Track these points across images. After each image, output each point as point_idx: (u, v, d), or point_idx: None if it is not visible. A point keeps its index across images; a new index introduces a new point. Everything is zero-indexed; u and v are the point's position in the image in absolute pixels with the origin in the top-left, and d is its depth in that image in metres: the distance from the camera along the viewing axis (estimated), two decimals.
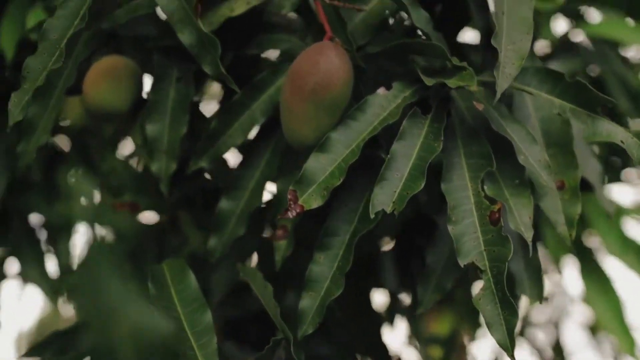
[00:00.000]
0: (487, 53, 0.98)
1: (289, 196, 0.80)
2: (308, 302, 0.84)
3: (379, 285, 1.35)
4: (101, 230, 1.43)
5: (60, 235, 1.48)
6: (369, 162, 0.87)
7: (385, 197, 0.79)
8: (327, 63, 0.83)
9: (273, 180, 0.96)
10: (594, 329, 2.18)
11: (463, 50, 1.06)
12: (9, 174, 1.36)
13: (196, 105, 1.05)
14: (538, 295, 0.94)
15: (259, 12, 0.99)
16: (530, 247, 0.82)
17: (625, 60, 1.51)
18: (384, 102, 0.85)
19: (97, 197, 1.41)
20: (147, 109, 0.96)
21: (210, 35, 0.85)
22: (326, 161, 0.82)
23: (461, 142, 0.87)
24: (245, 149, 0.98)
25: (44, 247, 1.50)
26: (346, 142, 0.83)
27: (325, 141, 0.82)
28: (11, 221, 1.43)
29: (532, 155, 0.84)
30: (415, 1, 0.88)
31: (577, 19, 1.54)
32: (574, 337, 2.24)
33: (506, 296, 0.75)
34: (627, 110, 1.34)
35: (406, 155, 0.81)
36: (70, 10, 0.87)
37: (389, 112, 0.84)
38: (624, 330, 1.35)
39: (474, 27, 1.06)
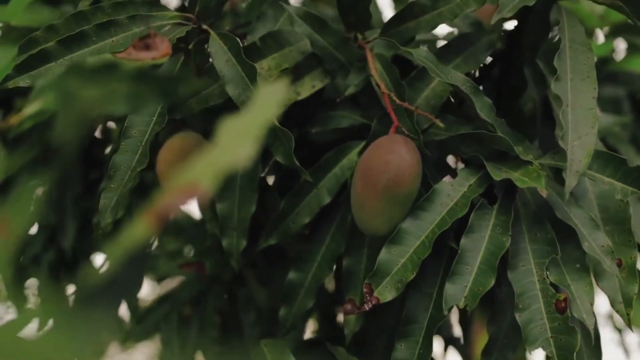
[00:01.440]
0: (544, 128, 1.02)
1: (364, 290, 0.85)
2: None
3: None
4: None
5: None
6: (438, 249, 0.90)
7: (457, 291, 0.83)
8: (399, 160, 0.87)
9: (340, 256, 1.00)
10: None
11: (518, 118, 1.09)
12: (77, 222, 1.42)
13: (264, 179, 1.09)
14: None
15: (322, 89, 1.02)
16: (592, 334, 0.86)
17: None
18: (451, 191, 0.89)
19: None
20: (217, 187, 1.00)
21: (282, 128, 0.89)
22: (398, 253, 0.86)
23: (525, 228, 0.90)
24: (312, 223, 1.02)
25: None
26: (417, 233, 0.87)
27: (397, 233, 0.86)
28: (79, 264, 1.50)
29: (596, 241, 0.88)
30: (478, 89, 0.91)
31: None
32: None
33: None
34: None
35: (475, 249, 0.86)
36: (149, 108, 0.90)
37: (455, 201, 0.88)
38: None
39: (530, 97, 1.09)
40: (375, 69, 0.95)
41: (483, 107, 0.92)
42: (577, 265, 0.89)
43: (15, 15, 1.17)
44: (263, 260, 1.16)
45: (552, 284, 0.87)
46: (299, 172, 0.96)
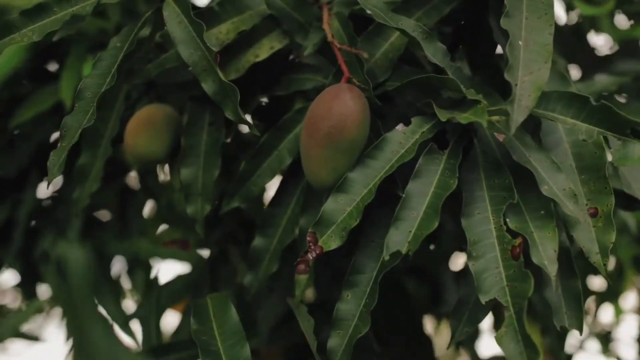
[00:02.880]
0: None
1: (308, 238, 0.82)
2: (337, 341, 0.85)
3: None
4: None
5: (136, 270, 1.57)
6: (391, 198, 0.87)
7: (401, 237, 0.79)
8: (341, 107, 0.84)
9: None
10: None
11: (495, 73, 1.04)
12: (84, 215, 1.46)
13: (229, 145, 1.08)
14: (577, 325, 0.91)
15: (286, 53, 1.02)
16: (554, 281, 0.79)
17: None
18: (402, 139, 0.85)
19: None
20: (182, 153, 1.00)
21: (229, 83, 0.89)
22: (345, 201, 0.83)
23: (483, 174, 0.85)
24: (278, 187, 1.01)
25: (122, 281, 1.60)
26: (364, 181, 0.83)
27: (343, 182, 0.83)
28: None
29: (557, 185, 0.81)
30: (430, 34, 0.88)
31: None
32: None
33: (527, 334, 0.74)
34: None
35: (422, 194, 0.81)
36: (102, 70, 0.92)
37: (406, 149, 0.84)
38: None
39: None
40: (328, 24, 0.94)
41: (436, 52, 0.88)
42: (542, 212, 0.83)
43: None
44: (243, 235, 1.15)
45: (509, 231, 0.81)
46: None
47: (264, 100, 1.13)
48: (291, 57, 1.02)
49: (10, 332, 1.44)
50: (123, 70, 0.98)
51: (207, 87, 0.91)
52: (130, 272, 1.57)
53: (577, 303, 0.89)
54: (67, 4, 0.95)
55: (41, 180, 1.55)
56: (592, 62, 1.54)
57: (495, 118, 0.86)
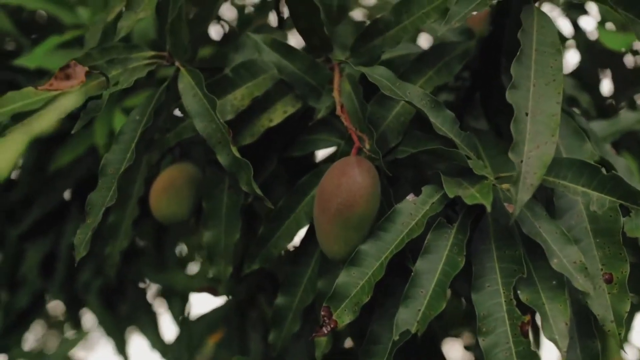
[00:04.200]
0: None
1: (322, 312, 0.84)
2: None
3: None
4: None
5: (173, 301, 1.63)
6: (404, 268, 0.88)
7: (410, 316, 0.81)
8: (350, 183, 0.86)
9: None
10: None
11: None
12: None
13: (250, 206, 1.11)
14: None
15: (301, 114, 1.03)
16: (562, 357, 0.80)
17: None
18: (412, 209, 0.86)
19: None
20: (204, 216, 1.03)
21: (243, 160, 0.91)
22: (357, 275, 0.85)
23: (494, 245, 0.86)
24: (298, 246, 1.03)
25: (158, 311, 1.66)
26: (376, 255, 0.85)
27: (355, 255, 0.85)
28: (126, 289, 1.60)
29: (567, 257, 0.81)
30: (438, 103, 0.88)
31: None
32: None
33: None
34: None
35: (431, 271, 0.82)
36: (123, 145, 0.96)
37: (416, 221, 0.85)
38: None
39: None
40: (338, 91, 0.95)
41: (444, 121, 0.88)
42: (553, 282, 0.83)
43: (35, 61, 1.28)
44: (270, 285, 1.19)
45: (519, 304, 0.81)
46: (281, 197, 0.98)
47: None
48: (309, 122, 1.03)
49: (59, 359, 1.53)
50: (143, 142, 1.01)
51: (222, 159, 0.93)
52: (167, 301, 1.63)
53: None
54: (88, 79, 0.99)
55: (81, 214, 1.62)
56: (624, 77, 1.51)
57: (505, 186, 0.86)
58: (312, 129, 1.02)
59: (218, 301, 1.47)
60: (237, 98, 1.00)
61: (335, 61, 1.01)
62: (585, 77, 1.44)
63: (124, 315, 1.58)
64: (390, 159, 0.93)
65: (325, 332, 0.85)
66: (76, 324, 1.68)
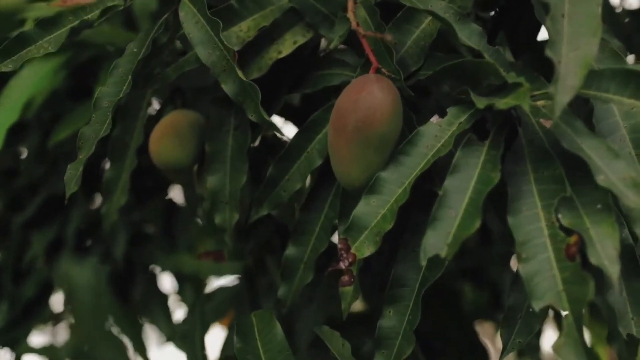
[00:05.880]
0: None
1: (339, 245, 0.76)
2: None
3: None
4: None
5: (184, 284, 1.54)
6: (429, 198, 0.79)
7: (439, 239, 0.71)
8: (369, 99, 0.77)
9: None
10: None
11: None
12: (129, 229, 1.45)
13: (258, 149, 1.03)
14: None
15: (311, 47, 0.96)
16: (616, 284, 0.70)
17: None
18: (438, 131, 0.78)
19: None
20: (207, 160, 0.95)
21: (250, 82, 0.83)
22: (378, 203, 0.76)
23: (530, 166, 0.77)
24: (309, 191, 0.94)
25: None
26: (398, 180, 0.76)
27: (375, 182, 0.76)
28: (136, 273, 1.51)
29: (615, 173, 0.72)
30: (464, 16, 0.80)
31: None
32: None
33: (585, 346, 0.65)
34: None
35: (461, 190, 0.73)
36: (118, 78, 0.88)
37: (442, 142, 0.77)
38: None
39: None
40: (353, 12, 0.87)
41: (471, 34, 0.81)
42: (599, 206, 0.74)
43: None
44: (279, 243, 1.09)
45: (561, 228, 0.72)
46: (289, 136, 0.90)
47: (295, 101, 1.08)
48: (319, 51, 0.95)
49: None
50: (142, 76, 0.94)
51: (228, 88, 0.85)
52: (180, 287, 1.54)
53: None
54: (83, 12, 0.92)
55: (87, 198, 1.54)
56: None
57: (540, 103, 0.78)
58: (324, 62, 0.94)
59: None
60: (243, 30, 0.92)
61: None
62: None
63: (134, 302, 1.49)
64: (411, 83, 0.84)
65: (343, 266, 0.76)
66: None
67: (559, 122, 0.76)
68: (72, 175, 0.84)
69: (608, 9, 1.49)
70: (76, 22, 0.89)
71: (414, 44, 0.87)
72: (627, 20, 1.52)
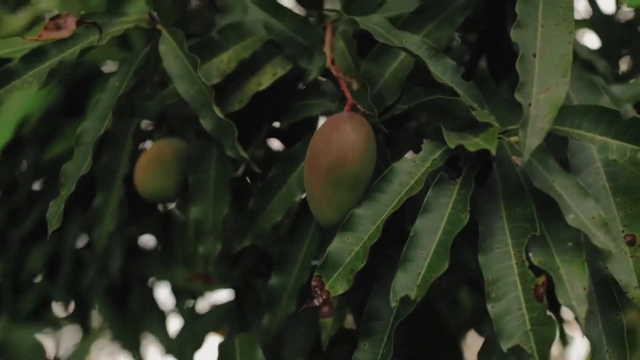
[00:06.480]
0: None
1: (313, 283, 0.76)
2: None
3: None
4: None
5: (180, 297, 1.56)
6: (402, 234, 0.80)
7: (409, 280, 0.72)
8: (341, 138, 0.78)
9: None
10: None
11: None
12: (125, 243, 1.46)
13: (241, 178, 1.04)
14: None
15: (292, 78, 0.96)
16: (582, 325, 0.71)
17: None
18: (412, 168, 0.78)
19: None
20: (190, 191, 0.96)
21: (226, 120, 0.84)
22: (352, 240, 0.77)
23: (503, 203, 0.77)
24: (292, 221, 0.95)
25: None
26: (372, 217, 0.77)
27: (349, 219, 0.77)
28: (132, 286, 1.53)
29: (585, 212, 0.72)
30: (438, 51, 0.81)
31: None
32: None
33: None
34: None
35: (432, 231, 0.74)
36: (100, 112, 0.89)
37: (416, 180, 0.77)
38: None
39: None
40: (330, 47, 0.87)
41: (445, 70, 0.81)
42: (569, 244, 0.74)
43: None
44: (265, 269, 1.11)
45: (531, 267, 0.73)
46: (272, 166, 0.91)
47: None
48: (300, 82, 0.96)
49: None
50: (125, 108, 0.95)
51: (206, 123, 0.87)
52: (176, 300, 1.56)
53: (621, 340, 0.79)
54: (65, 46, 0.93)
55: (83, 214, 1.56)
56: None
57: (514, 139, 0.78)
58: (304, 93, 0.95)
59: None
60: (224, 61, 0.93)
61: (327, 16, 0.94)
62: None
63: (132, 314, 1.51)
64: (387, 117, 0.85)
65: (317, 303, 0.76)
66: (85, 326, 1.62)
67: (531, 160, 0.76)
68: (54, 212, 0.85)
69: (606, 18, 1.49)
70: (55, 64, 0.89)
71: (391, 76, 0.88)
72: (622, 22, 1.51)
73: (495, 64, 0.98)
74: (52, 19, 0.83)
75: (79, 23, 0.83)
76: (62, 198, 0.85)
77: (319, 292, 0.77)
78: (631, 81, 1.13)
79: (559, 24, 0.76)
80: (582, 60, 1.11)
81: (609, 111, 0.75)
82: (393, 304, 0.71)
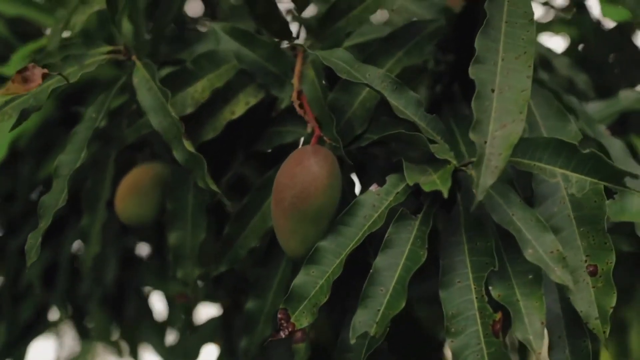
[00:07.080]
0: None
1: (279, 315, 0.78)
2: None
3: None
4: None
5: (174, 308, 1.59)
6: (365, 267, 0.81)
7: (368, 317, 0.73)
8: (304, 174, 0.79)
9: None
10: None
11: None
12: (119, 254, 1.49)
13: (219, 203, 1.05)
14: None
15: (266, 105, 0.98)
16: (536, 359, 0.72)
17: None
18: (376, 201, 0.79)
19: None
20: (168, 217, 0.98)
21: (196, 154, 0.86)
22: (317, 274, 0.78)
23: (466, 236, 0.78)
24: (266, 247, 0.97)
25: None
26: (336, 251, 0.78)
27: (314, 252, 0.78)
28: (126, 295, 1.56)
29: (543, 247, 0.73)
30: (401, 85, 0.81)
31: None
32: None
33: None
34: None
35: (392, 267, 0.75)
36: (76, 145, 0.91)
37: (379, 214, 0.78)
38: None
39: None
40: (299, 78, 0.88)
41: (408, 104, 0.81)
42: (529, 277, 0.75)
43: (12, 68, 1.25)
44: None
45: (491, 301, 0.74)
46: (247, 193, 0.93)
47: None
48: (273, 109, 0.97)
49: None
50: (102, 139, 0.97)
51: (178, 155, 0.88)
52: (170, 311, 1.59)
53: None
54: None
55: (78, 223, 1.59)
56: (636, 62, 1.40)
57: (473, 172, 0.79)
58: (277, 120, 0.96)
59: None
60: (198, 90, 0.95)
61: (297, 47, 0.94)
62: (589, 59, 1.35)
63: (127, 323, 1.54)
64: (355, 148, 0.86)
65: (283, 335, 0.78)
66: (82, 334, 1.65)
67: (492, 194, 0.77)
68: (32, 245, 0.87)
69: (599, 27, 1.47)
70: (27, 104, 0.90)
71: (360, 106, 0.89)
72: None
73: (467, 87, 0.98)
74: (19, 72, 0.84)
75: (44, 76, 0.84)
76: (40, 230, 0.88)
77: (285, 325, 0.78)
78: (609, 99, 1.12)
79: (518, 57, 0.76)
80: (560, 77, 1.11)
81: (568, 145, 0.75)
82: (352, 341, 0.73)
